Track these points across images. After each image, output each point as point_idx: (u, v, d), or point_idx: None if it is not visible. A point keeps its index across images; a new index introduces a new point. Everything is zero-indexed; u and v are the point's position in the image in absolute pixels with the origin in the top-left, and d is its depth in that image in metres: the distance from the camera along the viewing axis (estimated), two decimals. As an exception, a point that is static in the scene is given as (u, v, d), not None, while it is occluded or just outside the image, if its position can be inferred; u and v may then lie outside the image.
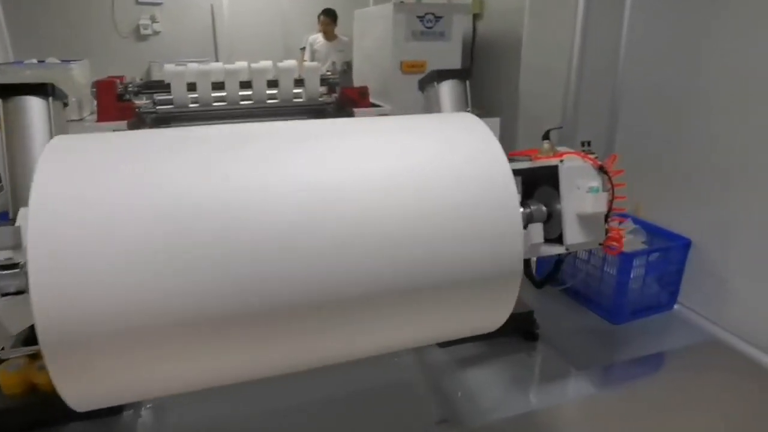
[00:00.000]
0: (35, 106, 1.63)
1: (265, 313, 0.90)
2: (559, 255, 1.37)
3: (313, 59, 4.99)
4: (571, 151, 1.48)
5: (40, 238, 0.87)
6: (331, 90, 3.73)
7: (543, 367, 1.74)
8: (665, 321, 2.06)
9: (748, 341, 1.84)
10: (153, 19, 5.95)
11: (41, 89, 1.62)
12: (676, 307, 2.13)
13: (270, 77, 3.46)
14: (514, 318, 1.83)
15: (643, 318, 2.04)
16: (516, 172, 1.35)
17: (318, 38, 5.15)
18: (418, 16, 3.42)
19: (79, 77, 3.40)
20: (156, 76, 5.68)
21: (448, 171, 1.06)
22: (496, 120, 2.66)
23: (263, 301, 0.90)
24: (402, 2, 3.60)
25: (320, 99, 3.56)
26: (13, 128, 1.62)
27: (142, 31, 5.94)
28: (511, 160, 1.57)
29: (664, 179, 2.23)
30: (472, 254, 1.03)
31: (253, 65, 3.36)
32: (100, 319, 0.82)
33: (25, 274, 0.87)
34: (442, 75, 2.02)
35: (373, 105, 3.66)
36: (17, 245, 1.04)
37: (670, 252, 2.06)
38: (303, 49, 5.75)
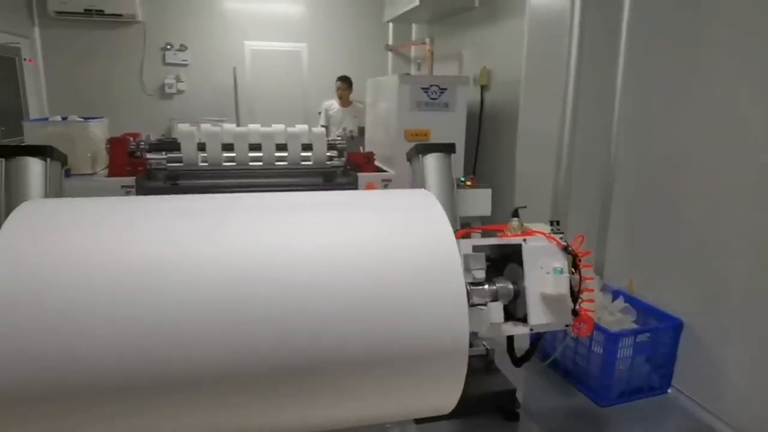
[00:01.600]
0: (33, 167, 1.73)
1: (194, 384, 0.91)
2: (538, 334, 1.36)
3: (327, 124, 5.19)
4: (540, 230, 1.50)
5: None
6: (341, 154, 3.85)
7: (523, 449, 1.69)
8: (657, 405, 1.99)
9: (742, 433, 1.77)
10: (178, 79, 6.31)
11: (40, 151, 1.73)
12: (669, 390, 2.06)
13: (281, 141, 3.60)
14: (494, 395, 1.81)
15: (633, 401, 1.98)
16: (478, 248, 1.38)
17: (333, 104, 5.37)
18: (423, 88, 3.56)
19: (96, 134, 3.58)
20: (176, 134, 5.95)
21: (392, 247, 1.08)
22: (488, 191, 2.72)
23: (192, 373, 0.91)
24: (407, 74, 3.77)
25: (329, 163, 3.68)
26: (11, 187, 1.72)
27: (167, 90, 6.29)
28: (483, 235, 1.59)
29: (658, 255, 2.21)
30: (414, 331, 1.03)
31: (263, 129, 3.51)
32: (23, 385, 0.84)
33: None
34: (426, 149, 2.09)
35: (379, 169, 3.75)
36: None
37: (660, 333, 2.01)
38: (320, 113, 5.99)
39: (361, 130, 5.25)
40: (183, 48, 6.27)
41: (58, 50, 6.09)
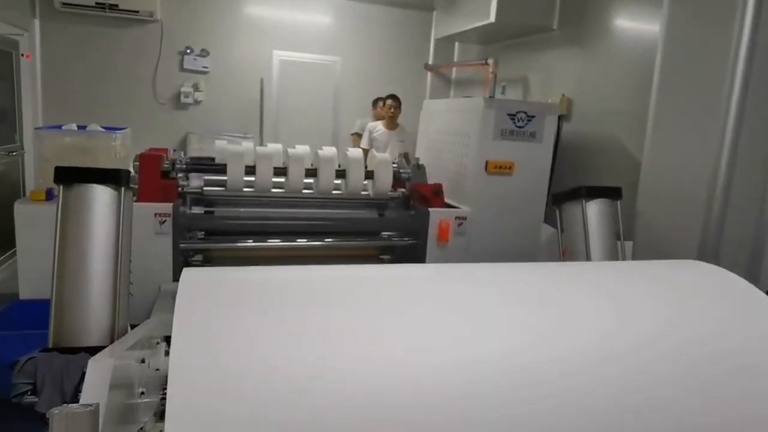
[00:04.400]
0: (102, 197, 1.36)
1: None
2: None
3: (370, 147, 4.85)
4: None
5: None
6: (398, 184, 3.51)
7: None
8: None
9: None
10: (196, 88, 5.96)
11: (112, 177, 1.35)
12: None
13: (336, 166, 3.25)
14: None
15: None
16: None
17: (378, 126, 5.04)
18: (509, 114, 3.24)
19: (120, 148, 3.21)
20: (193, 149, 5.58)
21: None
22: (629, 244, 2.37)
23: None
24: (492, 97, 3.46)
25: (391, 194, 3.35)
26: (69, 222, 1.34)
27: (183, 99, 5.93)
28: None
29: None
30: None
31: (322, 152, 3.16)
32: None
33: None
34: (591, 192, 1.75)
35: (448, 206, 3.40)
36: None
37: None
38: (355, 134, 5.65)
39: (406, 156, 4.92)
40: (204, 53, 5.93)
41: (59, 47, 5.73)
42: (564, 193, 1.87)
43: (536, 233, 3.46)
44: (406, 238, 3.39)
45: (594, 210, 1.76)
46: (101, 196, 1.37)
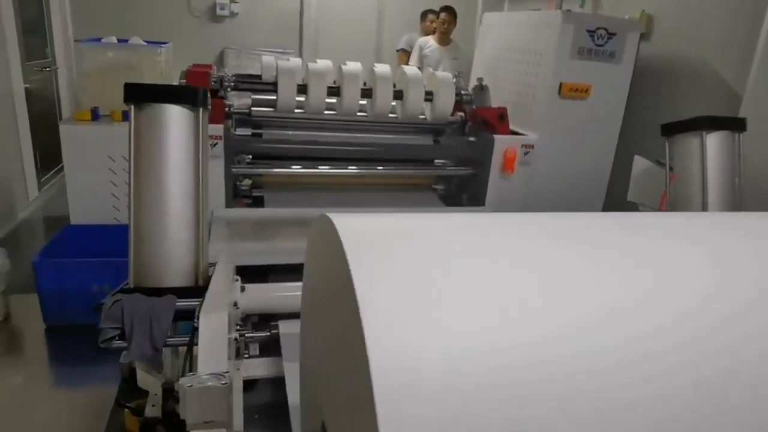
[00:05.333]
0: (179, 118, 1.23)
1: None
2: None
3: (420, 65, 4.57)
4: None
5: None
6: (456, 107, 3.31)
7: None
8: None
9: None
10: (233, -1, 5.67)
11: (190, 96, 1.22)
12: None
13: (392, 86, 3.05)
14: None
15: None
16: None
17: (429, 41, 4.72)
18: (589, 30, 2.96)
19: (165, 64, 3.05)
20: (231, 66, 5.38)
21: None
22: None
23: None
24: (569, 11, 3.15)
25: (451, 118, 3.16)
26: (145, 143, 1.22)
27: (219, 12, 5.66)
28: None
29: None
30: None
31: (378, 69, 2.96)
32: None
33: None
34: (713, 123, 1.56)
35: (513, 132, 3.20)
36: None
37: None
38: (401, 50, 5.35)
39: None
40: (241, -41, 5.60)
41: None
42: (678, 123, 1.67)
43: (608, 164, 3.27)
44: (463, 168, 3.23)
45: (714, 143, 1.58)
46: (178, 117, 1.24)
